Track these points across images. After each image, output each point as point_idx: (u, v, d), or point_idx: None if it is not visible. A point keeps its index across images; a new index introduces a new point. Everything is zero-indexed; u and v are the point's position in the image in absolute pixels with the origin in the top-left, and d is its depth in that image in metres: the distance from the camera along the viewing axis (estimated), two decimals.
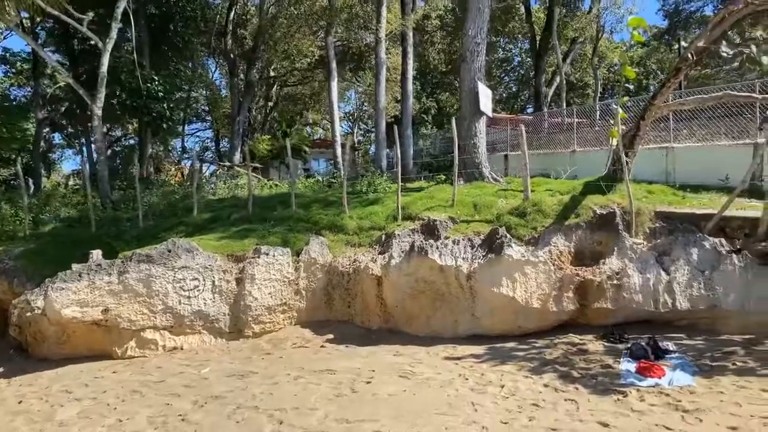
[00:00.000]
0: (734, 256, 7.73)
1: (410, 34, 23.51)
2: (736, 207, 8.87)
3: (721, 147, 12.40)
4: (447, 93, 38.69)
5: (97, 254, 9.13)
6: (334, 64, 24.54)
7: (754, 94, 10.99)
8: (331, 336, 8.83)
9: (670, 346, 6.89)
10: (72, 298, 8.19)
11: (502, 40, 39.61)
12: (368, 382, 6.54)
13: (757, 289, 7.45)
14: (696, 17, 30.18)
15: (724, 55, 9.65)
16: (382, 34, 22.41)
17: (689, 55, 10.17)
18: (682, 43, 23.42)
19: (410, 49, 23.73)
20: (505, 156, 19.88)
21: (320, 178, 20.97)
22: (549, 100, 32.47)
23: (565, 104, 30.48)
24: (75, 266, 8.59)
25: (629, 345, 6.99)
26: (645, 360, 6.43)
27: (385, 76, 25.30)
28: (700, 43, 10.05)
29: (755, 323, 7.32)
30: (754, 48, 8.80)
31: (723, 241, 8.12)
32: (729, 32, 10.33)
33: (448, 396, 5.97)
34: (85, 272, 8.44)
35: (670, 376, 5.97)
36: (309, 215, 11.25)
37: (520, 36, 37.66)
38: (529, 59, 36.88)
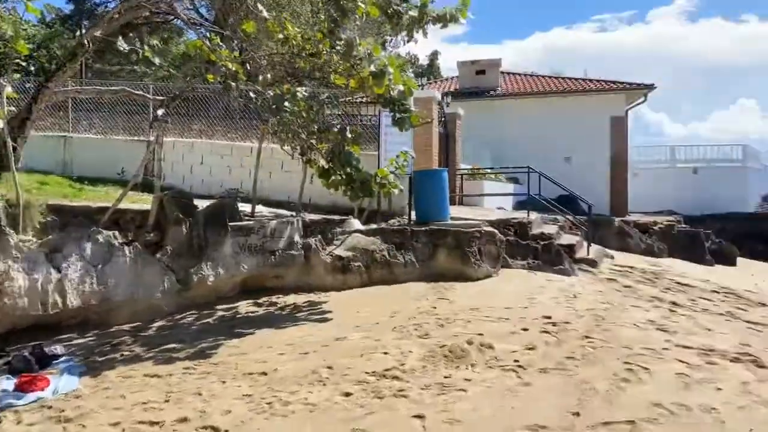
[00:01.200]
0: (126, 247, 7.93)
1: None
2: (131, 200, 9.23)
3: (120, 141, 12.78)
4: None
5: None
6: None
7: (147, 95, 11.80)
8: None
9: (58, 350, 6.35)
10: None
11: None
12: None
13: (146, 277, 7.90)
14: (101, 10, 30.43)
15: (121, 49, 9.93)
16: None
17: (86, 41, 9.91)
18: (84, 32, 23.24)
19: None
20: None
21: None
22: None
23: None
24: None
25: (10, 359, 6.04)
26: (28, 373, 5.67)
27: None
28: (97, 33, 9.95)
29: (143, 310, 7.75)
30: (148, 49, 9.42)
31: (117, 233, 8.20)
32: (130, 34, 10.72)
33: None
34: None
35: (56, 385, 5.44)
36: None
37: None
38: None
